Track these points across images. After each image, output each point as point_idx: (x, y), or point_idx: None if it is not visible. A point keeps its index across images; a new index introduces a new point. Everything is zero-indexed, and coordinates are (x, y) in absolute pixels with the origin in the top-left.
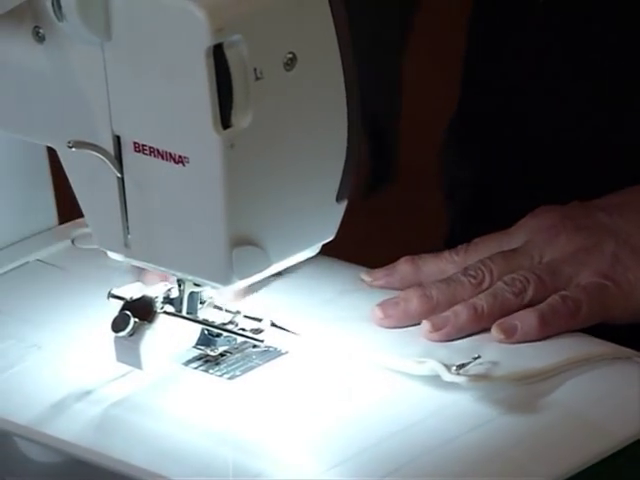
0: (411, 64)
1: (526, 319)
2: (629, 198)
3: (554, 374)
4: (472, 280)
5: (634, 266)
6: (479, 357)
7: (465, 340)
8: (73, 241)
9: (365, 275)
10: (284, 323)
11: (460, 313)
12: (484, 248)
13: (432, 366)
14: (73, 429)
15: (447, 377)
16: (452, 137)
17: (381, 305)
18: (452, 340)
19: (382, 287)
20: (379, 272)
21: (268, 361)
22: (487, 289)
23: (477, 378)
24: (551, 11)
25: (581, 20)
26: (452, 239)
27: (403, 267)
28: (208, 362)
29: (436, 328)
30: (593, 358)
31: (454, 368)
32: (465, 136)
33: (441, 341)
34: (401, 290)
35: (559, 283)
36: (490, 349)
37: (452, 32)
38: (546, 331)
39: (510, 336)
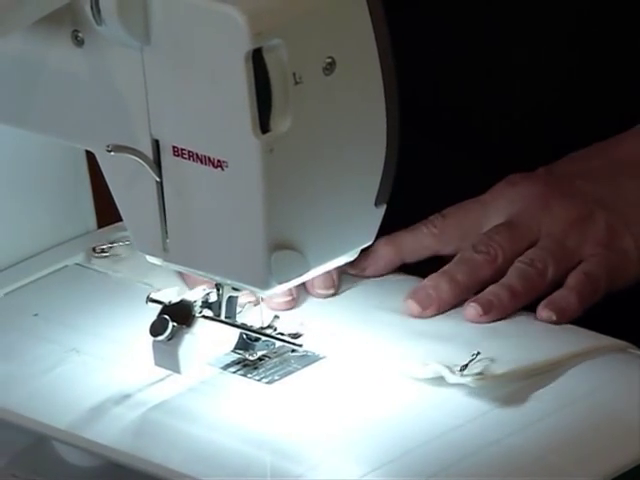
0: None
1: (568, 300)
2: (593, 164)
3: (557, 367)
4: (487, 257)
5: (625, 234)
6: (479, 354)
7: (460, 335)
8: (112, 244)
9: (350, 268)
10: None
11: (502, 297)
12: (464, 219)
13: (435, 369)
14: (111, 433)
15: (451, 379)
16: None
17: (414, 298)
18: (446, 335)
19: (372, 276)
20: (363, 261)
21: (306, 365)
22: (502, 264)
23: (482, 377)
24: None
25: None
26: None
27: (384, 250)
28: (246, 366)
29: (485, 311)
30: (592, 351)
31: (457, 369)
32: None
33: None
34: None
35: (568, 258)
36: (485, 344)
37: None
38: (582, 309)
39: (561, 317)
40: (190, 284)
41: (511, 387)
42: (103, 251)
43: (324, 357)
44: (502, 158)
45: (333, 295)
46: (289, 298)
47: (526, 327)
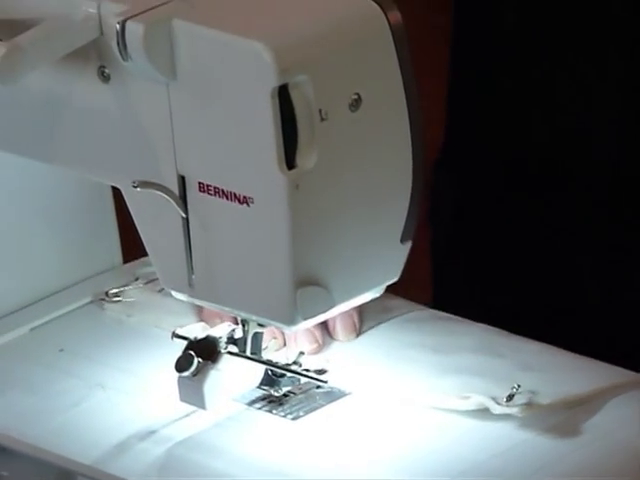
0: None
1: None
2: None
3: (597, 399)
4: None
5: None
6: (520, 386)
7: (492, 370)
8: (137, 280)
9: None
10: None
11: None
12: None
13: (479, 400)
14: (137, 468)
15: (497, 410)
16: (443, 158)
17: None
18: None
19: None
20: None
21: (332, 402)
22: None
23: (529, 407)
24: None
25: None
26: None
27: None
28: (272, 402)
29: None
30: (624, 385)
31: (504, 400)
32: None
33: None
34: None
35: None
36: (520, 378)
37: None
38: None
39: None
40: (206, 318)
41: (554, 418)
42: (116, 295)
43: (350, 393)
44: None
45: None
46: (315, 345)
47: (554, 360)
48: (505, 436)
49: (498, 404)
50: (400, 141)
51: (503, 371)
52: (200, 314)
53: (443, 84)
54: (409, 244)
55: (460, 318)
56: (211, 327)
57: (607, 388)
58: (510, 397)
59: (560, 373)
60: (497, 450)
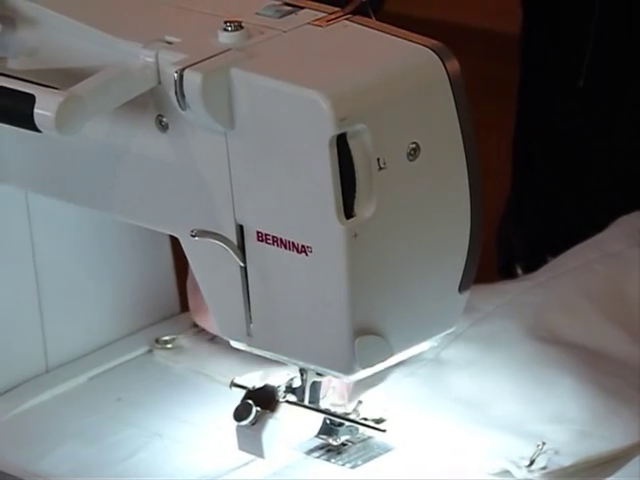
0: None
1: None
2: None
3: (623, 456)
4: None
5: None
6: (544, 444)
7: (525, 423)
8: (193, 328)
9: None
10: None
11: None
12: None
13: (502, 465)
14: None
15: (519, 474)
16: (511, 211)
17: None
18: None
19: None
20: None
21: (389, 451)
22: None
23: (548, 471)
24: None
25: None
26: None
27: None
28: (330, 451)
29: None
30: None
31: (525, 464)
32: (523, 209)
33: None
34: None
35: None
36: (549, 432)
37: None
38: None
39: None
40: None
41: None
42: (166, 342)
43: (394, 448)
44: None
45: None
46: (341, 401)
47: (589, 410)
48: None
49: (519, 468)
50: (458, 190)
51: (535, 424)
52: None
53: (502, 135)
54: (467, 293)
55: None
56: (200, 324)
57: (633, 445)
58: (532, 462)
59: (591, 426)
60: None
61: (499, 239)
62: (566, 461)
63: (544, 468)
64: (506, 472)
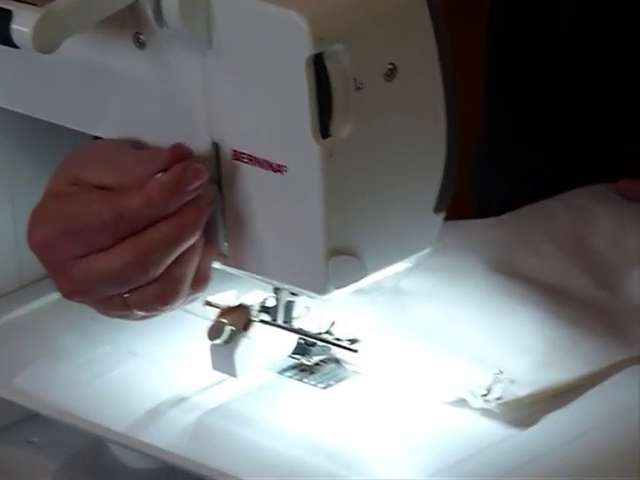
0: None
1: None
2: None
3: (580, 388)
4: None
5: None
6: (501, 373)
7: (477, 351)
8: None
9: None
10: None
11: None
12: None
13: (460, 393)
14: (168, 436)
15: (475, 404)
16: (484, 151)
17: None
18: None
19: None
20: None
21: (359, 374)
22: None
23: (508, 404)
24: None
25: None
26: None
27: None
28: (303, 371)
29: None
30: (620, 365)
31: (482, 393)
32: (498, 150)
33: None
34: None
35: None
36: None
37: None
38: None
39: None
40: None
41: (534, 409)
42: None
43: (360, 373)
44: None
45: None
46: None
47: (550, 340)
48: (488, 429)
49: (475, 397)
50: (435, 111)
51: (496, 354)
52: None
53: (477, 56)
54: (442, 214)
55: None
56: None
57: (595, 373)
58: (487, 392)
59: (552, 356)
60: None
61: (473, 182)
62: (522, 391)
63: (499, 398)
64: (463, 401)
